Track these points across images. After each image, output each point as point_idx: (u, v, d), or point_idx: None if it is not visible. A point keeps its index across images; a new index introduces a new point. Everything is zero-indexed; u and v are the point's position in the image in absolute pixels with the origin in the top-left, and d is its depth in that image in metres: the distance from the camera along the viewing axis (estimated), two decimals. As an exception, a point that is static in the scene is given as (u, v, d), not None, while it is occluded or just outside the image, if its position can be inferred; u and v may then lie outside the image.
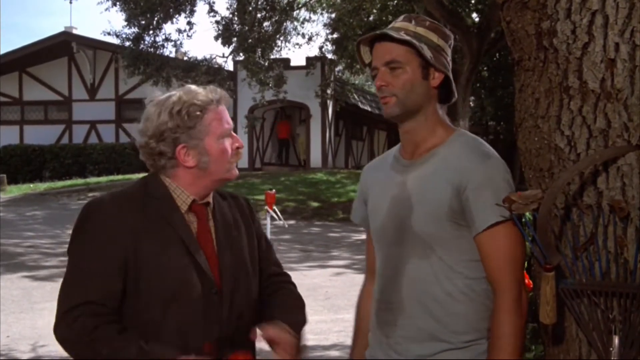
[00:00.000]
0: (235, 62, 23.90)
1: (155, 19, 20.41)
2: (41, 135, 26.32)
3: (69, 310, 1.82)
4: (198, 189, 1.96)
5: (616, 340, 1.75)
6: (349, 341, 2.30)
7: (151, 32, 20.67)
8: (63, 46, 26.12)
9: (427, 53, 1.92)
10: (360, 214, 2.18)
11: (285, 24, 21.47)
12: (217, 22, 20.51)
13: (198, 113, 1.91)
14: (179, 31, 21.20)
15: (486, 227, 1.86)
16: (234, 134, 1.99)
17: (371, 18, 21.65)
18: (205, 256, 1.93)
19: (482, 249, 1.89)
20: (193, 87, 1.99)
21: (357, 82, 33.00)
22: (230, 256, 1.98)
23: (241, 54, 20.82)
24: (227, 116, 1.99)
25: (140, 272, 1.85)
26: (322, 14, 24.22)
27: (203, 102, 1.93)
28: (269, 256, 2.15)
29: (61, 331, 1.83)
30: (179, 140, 1.91)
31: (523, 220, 1.85)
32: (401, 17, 2.02)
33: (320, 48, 24.65)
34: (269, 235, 13.10)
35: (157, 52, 20.82)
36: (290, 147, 27.62)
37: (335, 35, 23.64)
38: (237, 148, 1.98)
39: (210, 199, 2.02)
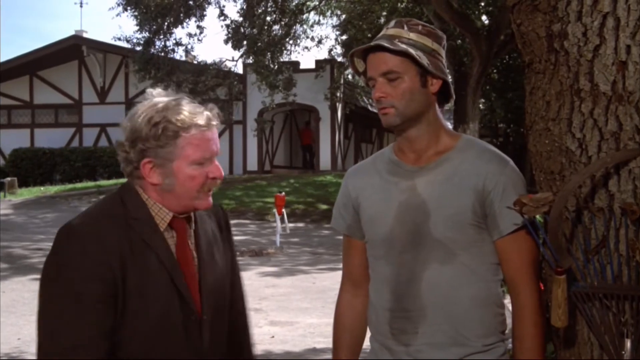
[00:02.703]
0: (245, 66, 23.96)
1: (166, 23, 20.52)
2: (52, 138, 26.47)
3: (57, 354, 1.61)
4: (171, 206, 1.78)
5: (628, 343, 1.74)
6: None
7: (162, 36, 20.78)
8: (73, 50, 26.30)
9: (425, 60, 1.89)
10: (347, 221, 2.08)
11: (294, 27, 21.54)
12: (227, 26, 20.59)
13: (171, 134, 1.72)
14: (190, 35, 21.34)
15: (512, 231, 1.87)
16: (216, 163, 1.79)
17: (381, 20, 21.62)
18: (185, 279, 1.76)
19: (505, 252, 1.90)
20: (184, 102, 1.77)
21: (366, 84, 32.94)
22: (212, 280, 1.83)
23: (251, 57, 20.87)
24: (211, 143, 1.76)
25: (125, 305, 1.67)
26: (331, 16, 24.27)
27: (182, 124, 1.72)
28: (239, 284, 2.00)
29: None
30: (146, 154, 1.73)
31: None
32: (392, 23, 1.97)
33: (330, 51, 24.77)
34: (278, 239, 13.24)
35: (168, 56, 20.92)
36: (313, 152, 27.63)
37: (344, 38, 23.67)
38: (213, 178, 1.78)
39: (191, 213, 1.84)
